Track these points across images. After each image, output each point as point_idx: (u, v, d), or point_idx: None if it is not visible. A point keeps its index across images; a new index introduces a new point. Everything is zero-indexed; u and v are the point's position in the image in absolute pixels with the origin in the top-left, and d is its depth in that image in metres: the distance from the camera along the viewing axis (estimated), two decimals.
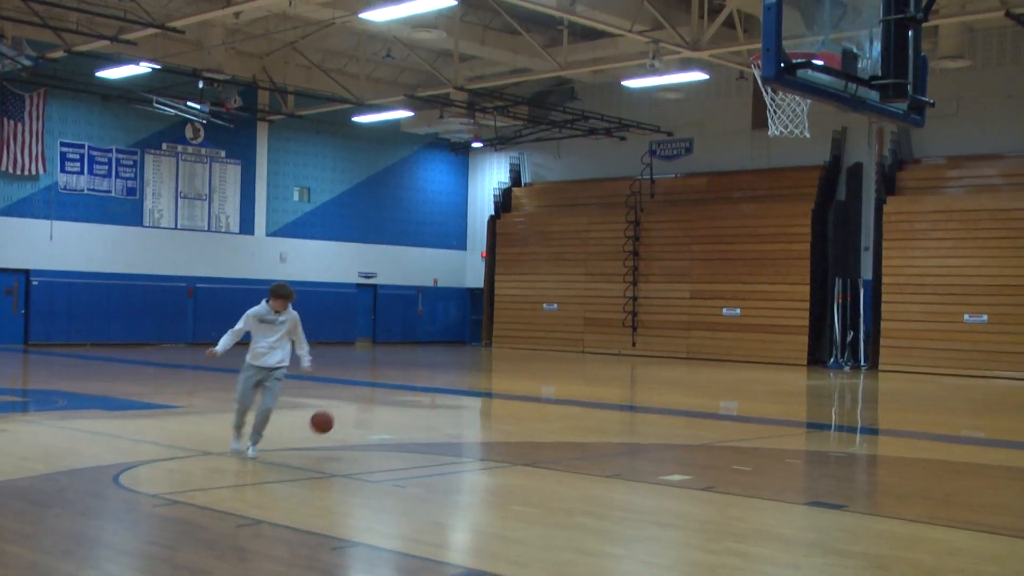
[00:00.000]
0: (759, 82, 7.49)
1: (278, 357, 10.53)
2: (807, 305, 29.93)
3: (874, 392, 22.95)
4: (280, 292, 10.60)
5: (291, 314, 10.59)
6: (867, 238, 29.74)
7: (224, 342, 10.44)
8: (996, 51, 27.90)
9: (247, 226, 33.55)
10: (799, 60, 7.34)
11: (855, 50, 7.93)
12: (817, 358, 29.91)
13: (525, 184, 38.08)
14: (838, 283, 29.85)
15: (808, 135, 8.49)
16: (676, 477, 10.09)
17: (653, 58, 23.57)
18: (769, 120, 8.51)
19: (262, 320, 10.45)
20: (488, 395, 20.19)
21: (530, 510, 8.33)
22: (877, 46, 7.90)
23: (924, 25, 8.07)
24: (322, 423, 10.42)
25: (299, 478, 9.66)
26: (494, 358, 31.19)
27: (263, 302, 10.56)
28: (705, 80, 28.53)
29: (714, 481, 9.96)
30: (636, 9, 23.50)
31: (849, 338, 29.56)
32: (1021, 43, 26.22)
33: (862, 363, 29.19)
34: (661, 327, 32.58)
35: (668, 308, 32.48)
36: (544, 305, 35.26)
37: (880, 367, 28.24)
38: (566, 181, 36.76)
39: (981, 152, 28.57)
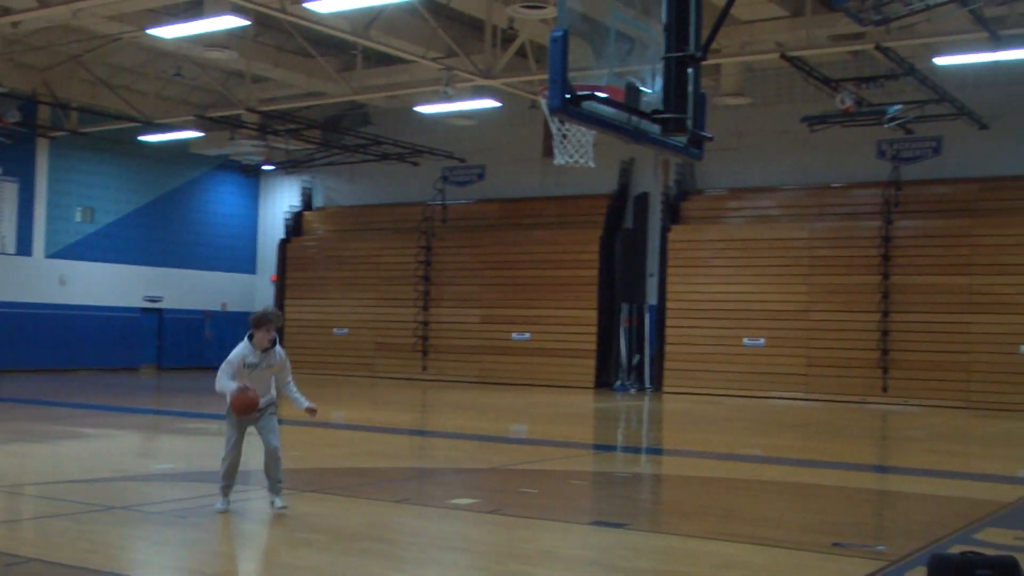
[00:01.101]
0: (546, 112, 7.66)
1: (265, 399, 9.03)
2: (595, 329, 30.61)
3: (659, 413, 23.62)
4: (264, 319, 8.83)
5: (279, 354, 9.02)
6: (653, 265, 30.65)
7: (227, 385, 8.83)
8: (773, 90, 29.24)
9: (24, 247, 32.10)
10: (584, 92, 7.53)
11: (639, 84, 8.18)
12: (604, 381, 30.58)
13: (317, 208, 37.76)
14: (625, 308, 30.63)
15: (593, 165, 8.71)
16: (464, 500, 10.16)
17: (446, 85, 23.77)
18: (555, 149, 8.70)
19: (246, 364, 8.87)
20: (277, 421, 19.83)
21: (316, 537, 8.25)
22: (659, 82, 8.19)
23: (706, 64, 8.42)
24: (244, 405, 8.82)
25: (75, 512, 9.30)
26: None
27: (245, 339, 8.93)
28: (498, 108, 28.90)
29: (501, 504, 10.07)
30: (430, 36, 23.68)
31: (635, 361, 30.35)
32: (796, 83, 27.53)
33: (647, 385, 30.00)
34: (452, 351, 32.74)
35: (459, 333, 32.68)
36: (335, 330, 34.96)
37: (665, 389, 29.09)
38: (359, 205, 36.63)
39: (760, 184, 29.90)
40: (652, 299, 30.48)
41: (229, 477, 8.99)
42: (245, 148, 33.71)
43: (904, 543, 8.62)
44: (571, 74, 7.43)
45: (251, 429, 9.13)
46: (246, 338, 8.96)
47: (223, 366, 8.89)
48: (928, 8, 19.07)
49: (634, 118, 7.89)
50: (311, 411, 9.11)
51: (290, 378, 9.18)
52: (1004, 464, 15.34)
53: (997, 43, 20.59)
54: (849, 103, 24.83)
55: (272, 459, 8.96)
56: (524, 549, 8.12)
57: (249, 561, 7.80)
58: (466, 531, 8.89)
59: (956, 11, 19.62)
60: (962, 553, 7.41)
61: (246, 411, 8.87)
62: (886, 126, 26.01)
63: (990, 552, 7.51)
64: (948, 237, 26.68)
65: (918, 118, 26.18)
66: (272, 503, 9.06)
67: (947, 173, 27.66)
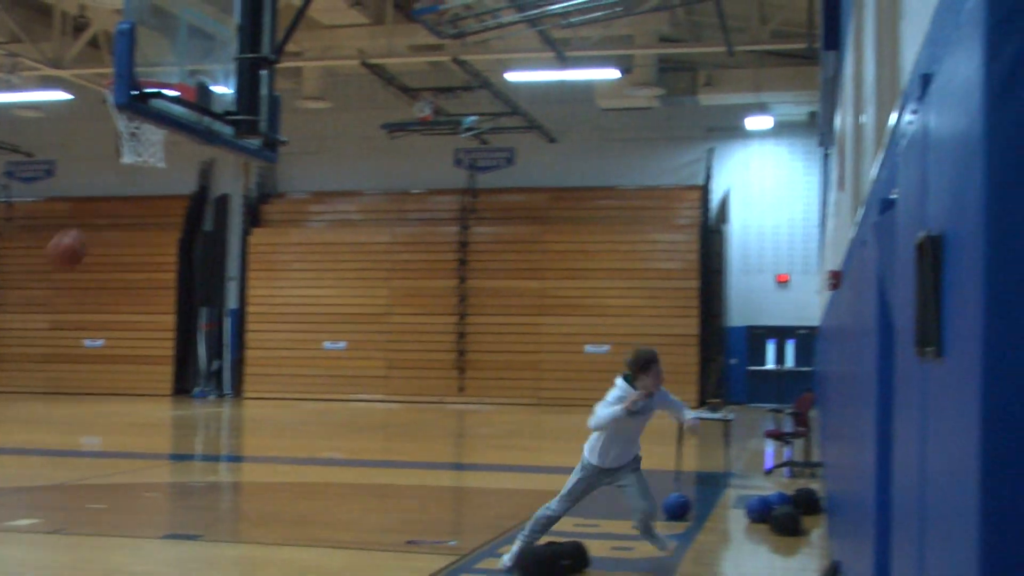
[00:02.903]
0: (111, 108, 7.34)
1: (636, 450, 7.63)
2: (173, 335, 29.66)
3: (239, 420, 23.28)
4: (652, 359, 7.34)
5: (663, 392, 7.55)
6: (233, 268, 30.13)
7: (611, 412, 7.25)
8: (355, 95, 29.52)
9: None
10: (153, 89, 7.29)
11: (212, 84, 8.03)
12: (183, 388, 29.70)
13: None
14: (204, 312, 29.91)
15: (163, 165, 8.46)
16: (24, 522, 9.52)
17: (9, 73, 22.30)
18: (123, 147, 8.37)
19: (631, 413, 7.28)
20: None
21: None
22: (233, 82, 8.07)
23: (287, 67, 8.40)
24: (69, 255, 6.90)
25: None
26: None
27: (621, 383, 7.34)
28: (69, 100, 27.39)
29: (65, 523, 9.52)
30: None
31: (215, 367, 29.71)
32: (377, 90, 27.96)
33: (228, 391, 29.44)
34: (18, 360, 30.61)
35: (26, 340, 30.64)
36: None
37: (246, 395, 28.68)
38: None
39: (342, 189, 30.14)
40: (232, 303, 29.95)
41: (544, 532, 7.70)
42: None
43: (475, 537, 8.95)
44: (142, 69, 7.19)
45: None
46: (622, 380, 7.39)
47: (608, 409, 7.31)
48: (500, 26, 20.00)
49: (206, 119, 7.75)
50: (693, 428, 7.81)
51: (678, 403, 7.84)
52: (569, 456, 16.17)
53: (563, 63, 21.97)
54: (427, 112, 25.61)
55: (649, 521, 7.66)
56: (89, 569, 7.71)
57: None
58: (25, 555, 8.32)
59: (526, 31, 20.71)
60: (547, 544, 7.79)
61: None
62: (462, 136, 27.04)
63: (560, 540, 7.97)
64: (521, 243, 28.07)
65: (493, 129, 27.42)
66: (658, 543, 7.80)
67: (520, 182, 29.11)
